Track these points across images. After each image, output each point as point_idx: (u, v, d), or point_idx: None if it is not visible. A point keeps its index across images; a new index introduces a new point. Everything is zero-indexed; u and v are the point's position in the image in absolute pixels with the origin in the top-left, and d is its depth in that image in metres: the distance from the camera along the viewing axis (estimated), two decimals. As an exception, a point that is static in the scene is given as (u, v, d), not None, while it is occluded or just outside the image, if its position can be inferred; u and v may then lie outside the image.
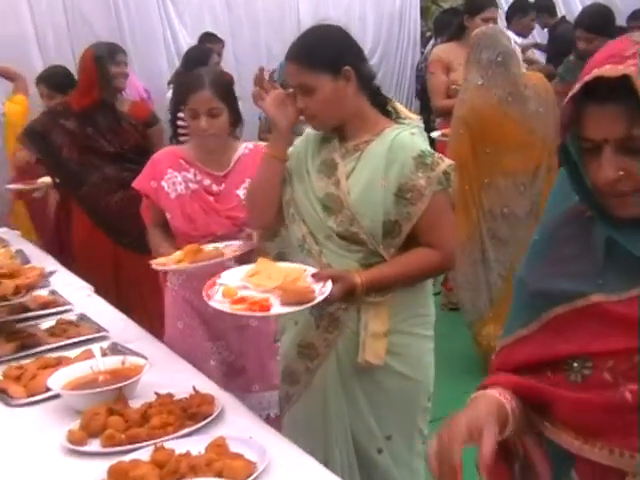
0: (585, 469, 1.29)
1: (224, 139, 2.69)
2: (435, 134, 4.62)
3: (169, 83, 6.31)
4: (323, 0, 8.17)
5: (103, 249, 3.97)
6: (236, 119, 2.71)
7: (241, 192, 2.64)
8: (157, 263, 2.45)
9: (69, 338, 2.50)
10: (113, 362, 2.20)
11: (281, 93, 2.21)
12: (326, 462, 2.11)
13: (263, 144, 2.59)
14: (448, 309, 4.99)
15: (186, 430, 1.85)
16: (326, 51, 2.12)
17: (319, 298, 1.99)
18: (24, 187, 4.39)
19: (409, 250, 2.16)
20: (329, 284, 2.03)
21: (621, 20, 5.81)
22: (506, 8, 6.73)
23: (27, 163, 4.34)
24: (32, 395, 2.13)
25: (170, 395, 1.99)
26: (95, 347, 2.34)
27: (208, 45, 6.27)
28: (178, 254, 2.45)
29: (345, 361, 2.21)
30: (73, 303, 2.84)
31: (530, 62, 5.49)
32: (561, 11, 7.65)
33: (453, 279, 4.24)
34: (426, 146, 2.16)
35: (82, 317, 2.70)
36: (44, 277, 2.77)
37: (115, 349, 2.38)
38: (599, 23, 4.45)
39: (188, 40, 7.28)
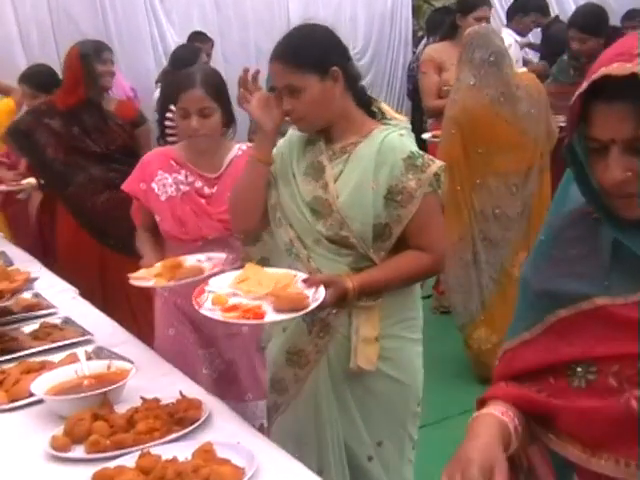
0: (588, 477, 1.26)
1: (216, 140, 2.63)
2: (426, 135, 4.61)
3: (157, 82, 6.26)
4: (313, -1, 8.14)
5: (88, 251, 3.92)
6: (229, 119, 2.64)
7: None
8: (134, 277, 2.37)
9: (53, 342, 2.45)
10: (98, 366, 2.17)
11: (266, 95, 2.18)
12: (320, 471, 2.07)
13: (254, 146, 2.55)
14: (440, 312, 4.95)
15: (173, 435, 1.83)
16: (313, 51, 2.07)
17: (314, 304, 1.95)
18: (9, 188, 4.33)
19: (398, 253, 2.13)
20: (322, 290, 2.00)
21: (615, 20, 5.81)
22: (499, 7, 6.73)
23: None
24: (15, 400, 2.09)
25: (156, 400, 1.96)
26: (80, 351, 2.29)
27: (197, 44, 6.22)
28: (157, 267, 2.38)
29: (336, 367, 2.18)
30: (57, 306, 2.80)
31: (525, 62, 5.48)
32: (554, 11, 7.64)
33: (445, 282, 4.22)
34: (415, 147, 2.13)
35: (66, 320, 2.65)
36: (30, 282, 2.72)
37: (100, 353, 2.34)
38: (593, 23, 4.43)
39: (176, 39, 7.21)
